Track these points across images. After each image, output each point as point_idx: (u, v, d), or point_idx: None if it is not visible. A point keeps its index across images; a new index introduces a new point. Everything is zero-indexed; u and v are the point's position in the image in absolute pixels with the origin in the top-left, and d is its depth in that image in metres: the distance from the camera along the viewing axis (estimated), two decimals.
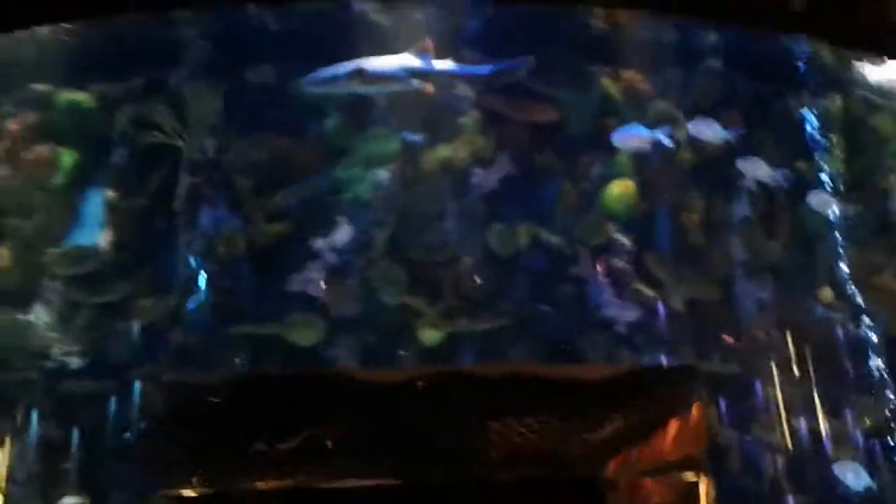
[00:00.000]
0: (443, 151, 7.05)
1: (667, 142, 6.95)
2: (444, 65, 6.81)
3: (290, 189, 6.93)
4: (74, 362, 6.42)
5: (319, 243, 6.77)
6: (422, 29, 7.04)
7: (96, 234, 7.00)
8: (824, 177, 7.36)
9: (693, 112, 7.27)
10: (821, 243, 7.35)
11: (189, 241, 6.66)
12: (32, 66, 7.06)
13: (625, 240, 6.92)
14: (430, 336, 6.49)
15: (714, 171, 7.34)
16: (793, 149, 7.46)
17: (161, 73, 7.07)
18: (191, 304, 6.47)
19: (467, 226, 6.88)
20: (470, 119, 7.11)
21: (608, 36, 7.24)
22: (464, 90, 7.16)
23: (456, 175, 7.00)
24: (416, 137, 7.03)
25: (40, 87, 7.15)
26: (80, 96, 7.08)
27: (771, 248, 7.25)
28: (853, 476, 6.29)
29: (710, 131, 7.06)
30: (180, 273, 6.63)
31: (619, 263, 6.84)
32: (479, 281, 6.69)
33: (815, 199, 7.16)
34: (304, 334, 6.59)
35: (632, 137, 6.95)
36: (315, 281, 6.68)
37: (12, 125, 7.11)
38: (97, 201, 7.08)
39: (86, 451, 6.30)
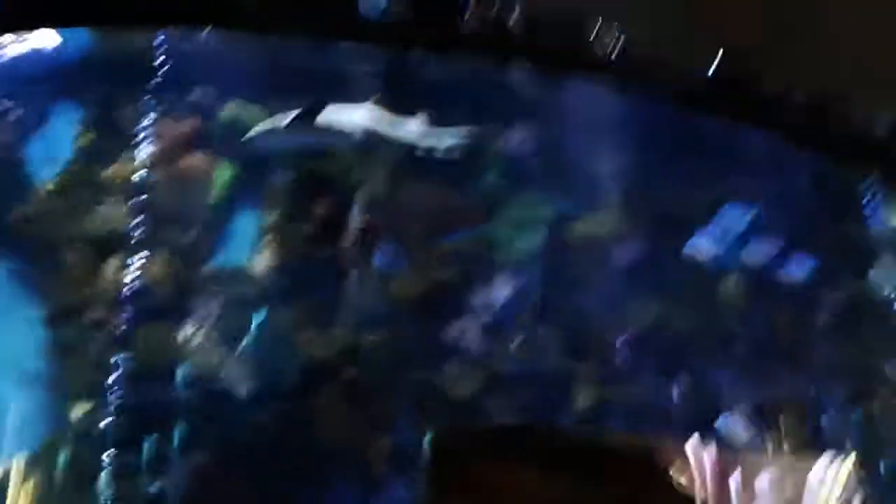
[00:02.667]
0: (588, 224, 7.39)
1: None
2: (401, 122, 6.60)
3: (450, 238, 7.02)
4: (242, 389, 6.16)
5: (477, 297, 6.90)
6: (567, 102, 7.42)
7: (248, 255, 6.79)
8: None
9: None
10: None
11: (361, 277, 6.61)
12: (198, 69, 6.83)
13: (739, 330, 7.50)
14: (585, 399, 6.76)
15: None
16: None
17: (330, 100, 7.01)
18: (364, 343, 6.40)
19: (609, 297, 7.24)
20: (612, 195, 7.51)
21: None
22: (604, 166, 7.58)
23: (598, 248, 7.35)
24: (566, 205, 7.34)
25: (204, 92, 6.89)
26: (249, 110, 6.89)
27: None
28: None
29: None
30: (350, 308, 6.55)
31: (737, 352, 7.41)
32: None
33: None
34: (460, 386, 6.68)
35: (701, 246, 7.55)
36: (471, 333, 6.80)
37: (170, 128, 6.79)
38: (252, 221, 6.88)
39: (248, 480, 6.05)
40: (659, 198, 7.76)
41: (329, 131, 6.46)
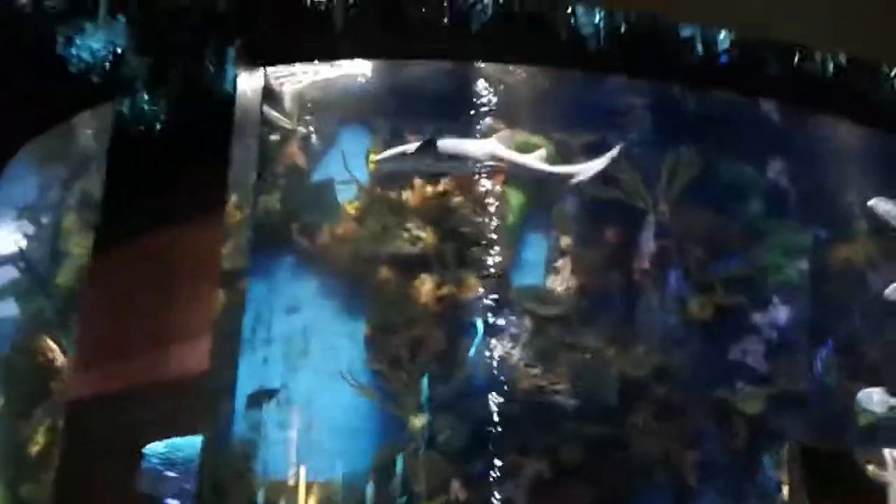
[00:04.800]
0: (843, 251, 7.67)
1: None
2: (521, 157, 6.89)
3: (727, 263, 7.30)
4: (569, 403, 6.38)
5: (758, 318, 7.16)
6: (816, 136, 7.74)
7: (542, 276, 7.05)
8: None
9: None
10: None
11: (661, 300, 6.87)
12: (496, 104, 7.14)
13: None
14: (866, 419, 6.99)
15: None
16: None
17: (609, 133, 7.33)
18: (677, 362, 6.65)
19: (870, 324, 7.50)
20: (860, 226, 7.80)
21: None
22: (853, 197, 7.88)
23: (856, 275, 7.62)
24: (823, 233, 7.63)
25: (497, 123, 7.20)
26: (536, 139, 7.20)
27: None
28: None
29: None
30: (654, 329, 6.80)
31: None
32: None
33: None
34: (750, 403, 6.90)
35: None
36: (754, 353, 7.05)
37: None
38: (542, 244, 7.15)
39: (577, 489, 6.24)
40: None
41: (451, 158, 6.74)
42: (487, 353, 6.46)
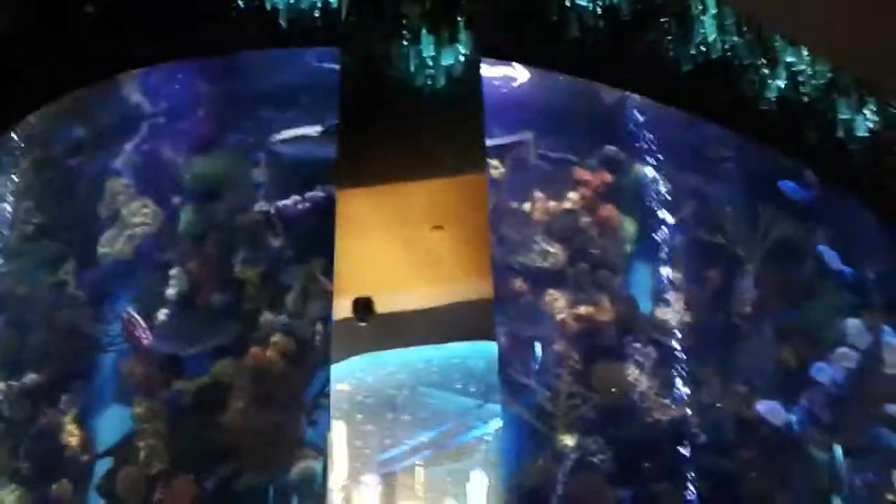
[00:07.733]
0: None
1: None
2: None
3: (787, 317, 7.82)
4: (700, 437, 6.54)
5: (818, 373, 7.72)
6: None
7: (650, 307, 7.23)
8: None
9: None
10: None
11: (757, 345, 7.24)
12: (608, 128, 7.32)
13: None
14: None
15: None
16: None
17: (709, 181, 7.69)
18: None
19: None
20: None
21: None
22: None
23: None
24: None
25: (616, 150, 7.35)
26: (647, 170, 7.42)
27: None
28: None
29: None
30: (753, 373, 7.14)
31: None
32: None
33: None
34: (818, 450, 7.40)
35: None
36: (819, 403, 7.58)
37: (591, 177, 7.19)
38: (648, 274, 7.33)
39: None
40: None
41: None
42: (617, 379, 6.37)
